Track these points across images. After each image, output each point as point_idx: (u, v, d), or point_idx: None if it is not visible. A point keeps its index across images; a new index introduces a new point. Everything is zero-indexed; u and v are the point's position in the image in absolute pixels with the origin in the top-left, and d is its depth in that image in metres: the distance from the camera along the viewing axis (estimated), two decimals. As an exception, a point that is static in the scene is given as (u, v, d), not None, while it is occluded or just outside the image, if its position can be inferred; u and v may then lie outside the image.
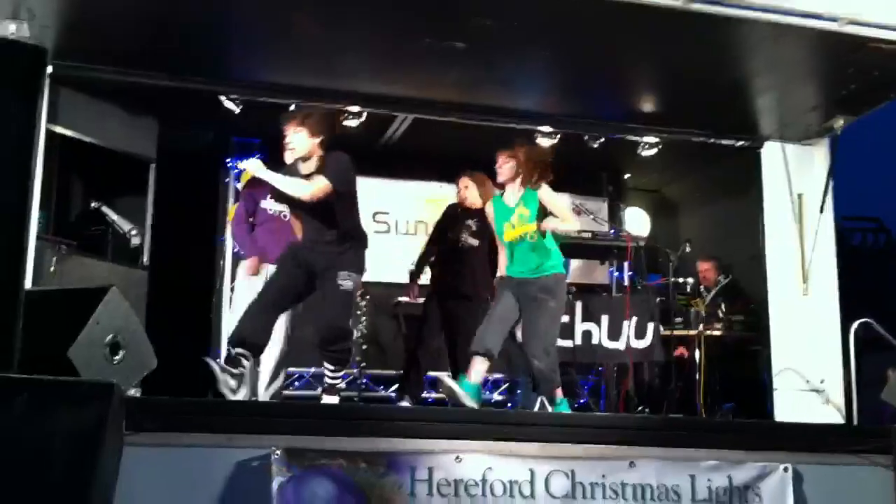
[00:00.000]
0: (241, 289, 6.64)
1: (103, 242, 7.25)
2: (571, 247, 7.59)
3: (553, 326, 5.91)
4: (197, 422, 4.42)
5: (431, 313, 6.93)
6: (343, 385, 5.79)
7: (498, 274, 6.13)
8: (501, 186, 6.11)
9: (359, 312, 7.80)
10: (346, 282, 5.37)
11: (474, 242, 6.86)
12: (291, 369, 7.57)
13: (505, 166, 6.00)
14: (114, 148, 7.35)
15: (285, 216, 6.17)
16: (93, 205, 7.22)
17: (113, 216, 7.18)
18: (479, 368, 5.71)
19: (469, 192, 6.95)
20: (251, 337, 5.36)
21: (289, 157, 5.51)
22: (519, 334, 6.73)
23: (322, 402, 5.59)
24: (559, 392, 5.87)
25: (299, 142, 5.44)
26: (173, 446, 4.27)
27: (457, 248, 6.90)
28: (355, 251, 5.53)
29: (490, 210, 6.14)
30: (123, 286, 5.31)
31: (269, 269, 6.13)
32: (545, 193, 5.89)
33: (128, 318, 4.21)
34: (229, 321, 7.16)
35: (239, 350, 5.30)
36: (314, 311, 5.74)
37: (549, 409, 5.90)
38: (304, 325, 6.36)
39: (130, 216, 7.32)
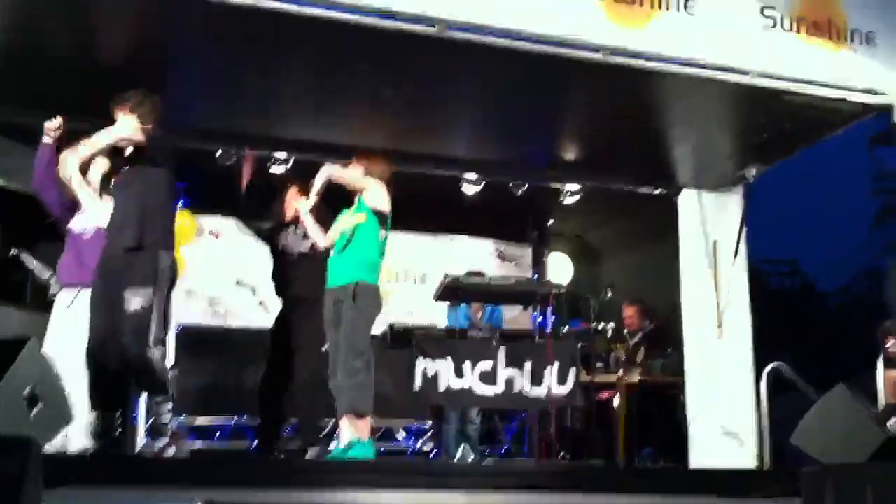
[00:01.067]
0: None
1: (22, 290, 7.12)
2: (495, 293, 7.70)
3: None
4: (116, 476, 4.35)
5: None
6: (173, 426, 5.36)
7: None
8: None
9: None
10: (135, 298, 5.00)
11: None
12: (208, 421, 7.48)
13: None
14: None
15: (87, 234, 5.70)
16: (12, 252, 7.09)
17: (32, 263, 7.04)
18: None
19: None
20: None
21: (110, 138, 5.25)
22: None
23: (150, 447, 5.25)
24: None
25: (126, 126, 5.26)
26: (93, 502, 4.19)
27: None
28: (150, 259, 5.12)
29: None
30: (42, 335, 5.25)
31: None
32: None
33: (46, 371, 4.13)
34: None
35: None
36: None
37: (471, 456, 5.93)
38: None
39: (51, 263, 7.20)
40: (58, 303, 5.69)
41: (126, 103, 5.27)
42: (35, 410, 4.00)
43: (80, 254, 5.63)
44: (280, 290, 6.74)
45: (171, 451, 5.18)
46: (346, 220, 5.96)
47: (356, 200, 6.00)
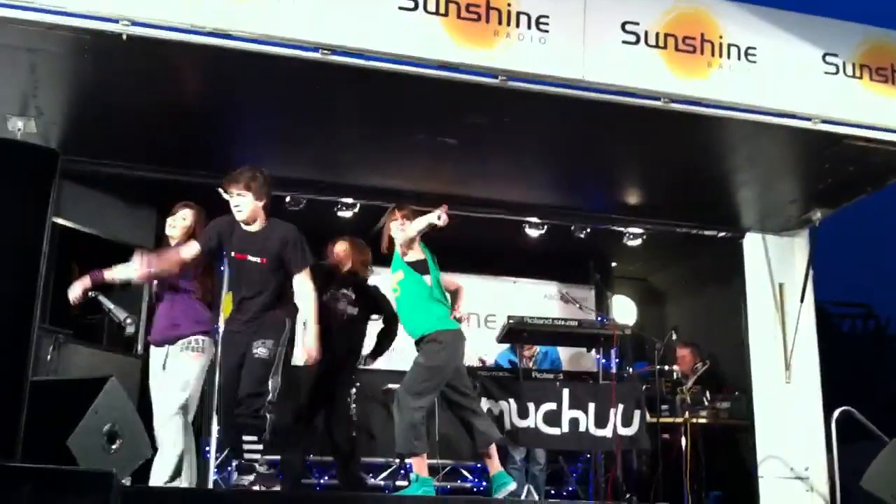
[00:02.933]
0: None
1: (99, 331, 7.37)
2: (559, 334, 7.75)
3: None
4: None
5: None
6: (263, 466, 5.45)
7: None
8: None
9: (349, 400, 7.88)
10: (260, 349, 5.35)
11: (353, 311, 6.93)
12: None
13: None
14: (113, 238, 7.54)
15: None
16: (90, 294, 7.34)
17: (109, 305, 7.25)
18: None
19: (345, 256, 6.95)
20: None
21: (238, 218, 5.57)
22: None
23: (237, 482, 5.51)
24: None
25: (245, 204, 5.52)
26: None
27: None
28: (272, 317, 5.49)
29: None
30: (118, 374, 5.46)
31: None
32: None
33: (125, 408, 4.34)
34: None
35: None
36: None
37: (536, 497, 5.94)
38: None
39: (126, 305, 7.44)
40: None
41: (241, 181, 5.51)
42: (114, 446, 4.20)
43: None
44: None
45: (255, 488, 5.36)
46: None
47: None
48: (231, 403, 5.40)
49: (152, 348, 5.79)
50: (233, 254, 5.52)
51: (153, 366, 5.71)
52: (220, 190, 5.62)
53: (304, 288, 5.53)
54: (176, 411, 5.35)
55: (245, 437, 5.36)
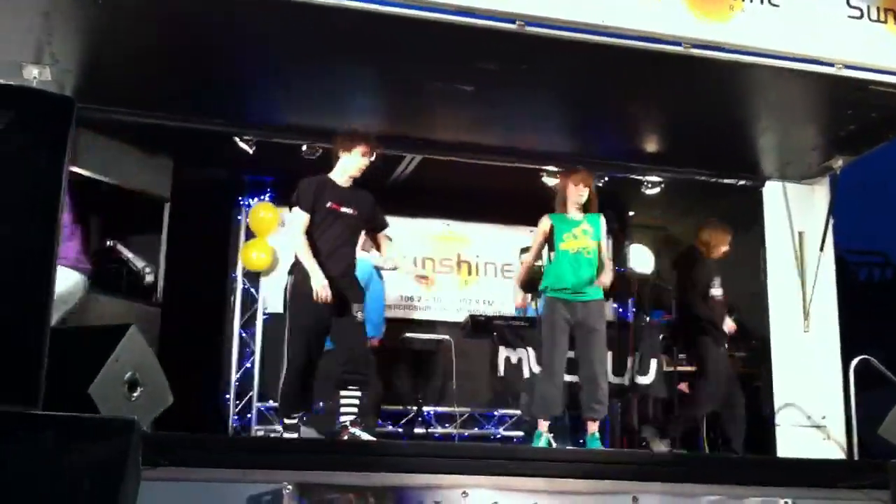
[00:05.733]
0: None
1: (118, 279, 7.39)
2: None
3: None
4: (210, 457, 4.53)
5: None
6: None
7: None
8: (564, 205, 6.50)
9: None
10: (359, 314, 5.94)
11: None
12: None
13: (586, 189, 6.45)
14: (129, 187, 7.53)
15: None
16: (108, 243, 7.37)
17: (127, 254, 7.32)
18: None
19: None
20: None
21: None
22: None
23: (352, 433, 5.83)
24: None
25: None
26: (187, 481, 4.37)
27: None
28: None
29: (547, 223, 6.50)
30: (137, 322, 5.46)
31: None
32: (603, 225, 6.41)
33: (146, 355, 4.34)
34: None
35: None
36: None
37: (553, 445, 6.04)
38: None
39: (144, 254, 7.46)
40: None
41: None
42: (135, 394, 4.21)
43: None
44: None
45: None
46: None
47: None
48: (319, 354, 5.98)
49: None
50: (328, 204, 5.83)
51: None
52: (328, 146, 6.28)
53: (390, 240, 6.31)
54: None
55: (344, 393, 5.86)
